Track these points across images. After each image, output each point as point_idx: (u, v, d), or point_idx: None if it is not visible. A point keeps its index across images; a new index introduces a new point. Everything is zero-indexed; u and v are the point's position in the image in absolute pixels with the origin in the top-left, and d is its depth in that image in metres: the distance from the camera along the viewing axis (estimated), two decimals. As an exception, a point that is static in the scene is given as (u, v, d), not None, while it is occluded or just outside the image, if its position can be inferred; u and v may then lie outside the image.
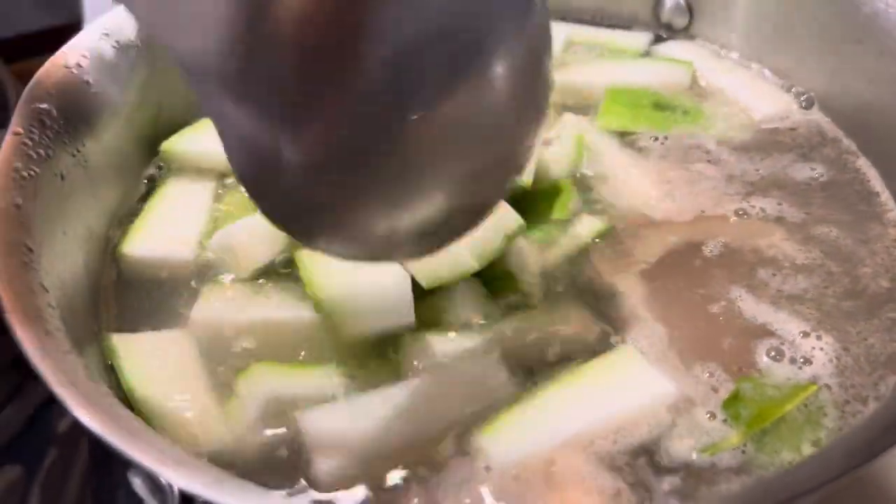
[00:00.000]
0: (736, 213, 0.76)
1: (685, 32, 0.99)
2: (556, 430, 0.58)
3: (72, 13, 1.28)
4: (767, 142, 0.84)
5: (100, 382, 0.54)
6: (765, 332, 0.66)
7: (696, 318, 0.67)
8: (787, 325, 0.66)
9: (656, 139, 0.84)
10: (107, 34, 0.77)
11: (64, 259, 0.66)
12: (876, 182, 0.80)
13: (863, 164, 0.81)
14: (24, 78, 0.72)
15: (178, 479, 0.44)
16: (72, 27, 0.84)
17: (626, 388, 0.61)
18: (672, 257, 0.72)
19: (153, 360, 0.64)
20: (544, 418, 0.59)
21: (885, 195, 0.78)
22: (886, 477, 0.69)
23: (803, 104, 0.88)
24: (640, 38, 1.00)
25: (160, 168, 0.83)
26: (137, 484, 0.48)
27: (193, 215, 0.78)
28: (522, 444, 0.57)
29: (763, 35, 0.93)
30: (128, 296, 0.72)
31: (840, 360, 0.64)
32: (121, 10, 0.79)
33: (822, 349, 0.64)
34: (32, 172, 0.65)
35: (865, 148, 0.82)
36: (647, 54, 0.98)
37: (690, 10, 0.98)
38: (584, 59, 0.97)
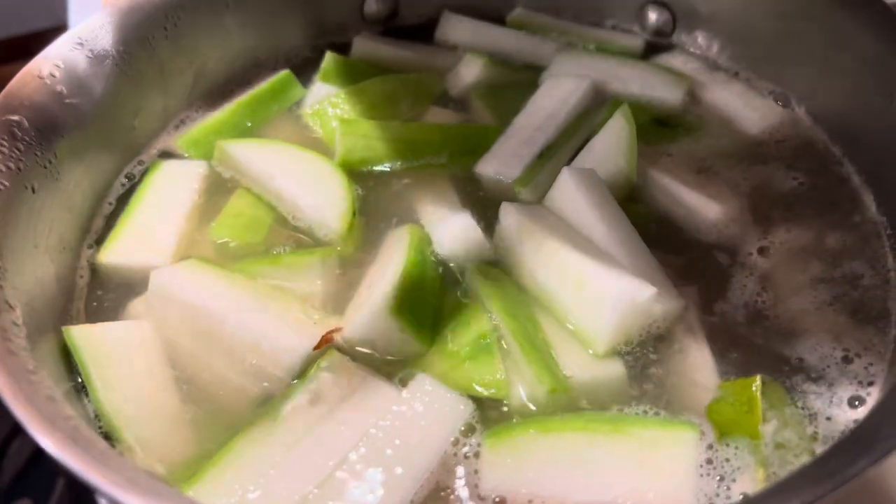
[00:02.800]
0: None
1: (668, 39, 0.99)
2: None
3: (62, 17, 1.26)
4: (759, 153, 0.84)
5: (64, 403, 0.53)
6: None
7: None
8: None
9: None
10: (80, 43, 0.77)
11: (34, 272, 0.66)
12: (859, 187, 0.79)
13: (847, 170, 0.81)
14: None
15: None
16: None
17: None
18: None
19: (115, 353, 0.64)
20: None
21: (869, 199, 0.78)
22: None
23: (790, 112, 0.88)
24: (631, 40, 0.99)
25: (140, 164, 0.83)
26: (104, 505, 0.47)
27: (171, 222, 0.77)
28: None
29: (748, 44, 0.92)
30: (100, 303, 0.72)
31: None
32: (95, 18, 0.79)
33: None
34: (2, 186, 0.64)
35: (851, 155, 0.82)
36: (642, 58, 0.97)
37: (674, 18, 0.98)
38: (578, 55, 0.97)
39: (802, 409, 0.62)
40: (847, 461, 0.45)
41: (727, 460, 0.58)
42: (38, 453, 0.77)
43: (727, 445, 0.59)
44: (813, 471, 0.47)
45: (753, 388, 0.60)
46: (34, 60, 0.74)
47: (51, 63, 0.74)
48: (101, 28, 0.79)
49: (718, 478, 0.57)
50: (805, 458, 0.58)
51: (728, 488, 0.57)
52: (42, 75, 0.73)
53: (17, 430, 0.77)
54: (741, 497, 0.56)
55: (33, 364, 0.54)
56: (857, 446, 0.48)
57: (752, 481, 0.56)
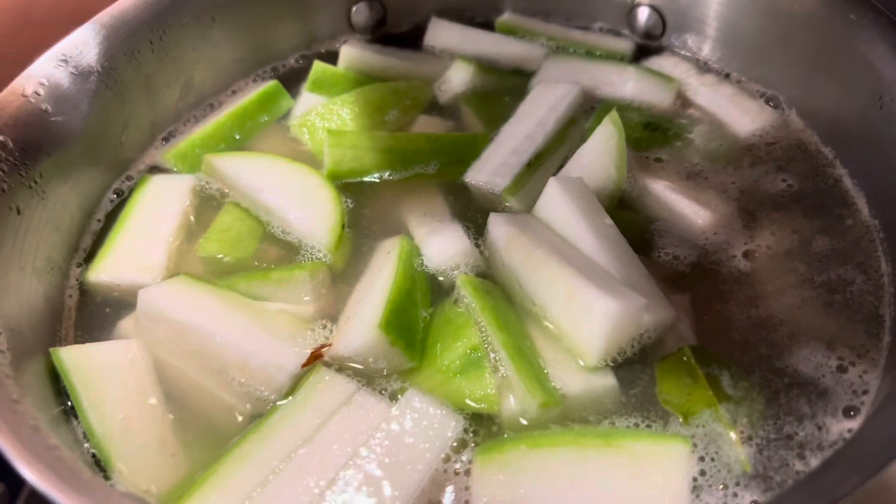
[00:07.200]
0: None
1: (658, 41, 0.98)
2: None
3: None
4: (750, 155, 0.83)
5: (48, 432, 0.52)
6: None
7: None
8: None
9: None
10: (64, 60, 0.76)
11: (20, 296, 0.65)
12: (851, 189, 0.79)
13: (839, 172, 0.80)
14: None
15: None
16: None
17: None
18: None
19: (104, 373, 0.64)
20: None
21: (861, 202, 0.77)
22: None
23: (781, 114, 0.87)
24: (621, 44, 0.98)
25: (129, 179, 0.83)
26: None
27: (160, 238, 0.77)
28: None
29: (738, 45, 0.92)
30: (89, 323, 0.72)
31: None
32: (79, 34, 0.78)
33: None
34: (-15, 209, 0.64)
35: (842, 157, 0.81)
36: (632, 62, 0.96)
37: (664, 21, 0.97)
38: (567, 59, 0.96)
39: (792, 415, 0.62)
40: (840, 478, 0.45)
41: (713, 459, 0.59)
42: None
43: (698, 427, 0.60)
44: (806, 489, 0.47)
45: (684, 359, 0.63)
46: (17, 79, 0.73)
47: (34, 81, 0.73)
48: (85, 44, 0.78)
49: (721, 486, 0.57)
50: (761, 398, 0.62)
51: (735, 495, 0.57)
52: (26, 94, 0.72)
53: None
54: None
55: (18, 392, 0.54)
56: (849, 462, 0.47)
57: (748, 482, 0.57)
